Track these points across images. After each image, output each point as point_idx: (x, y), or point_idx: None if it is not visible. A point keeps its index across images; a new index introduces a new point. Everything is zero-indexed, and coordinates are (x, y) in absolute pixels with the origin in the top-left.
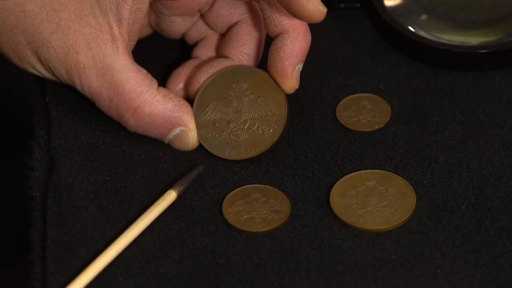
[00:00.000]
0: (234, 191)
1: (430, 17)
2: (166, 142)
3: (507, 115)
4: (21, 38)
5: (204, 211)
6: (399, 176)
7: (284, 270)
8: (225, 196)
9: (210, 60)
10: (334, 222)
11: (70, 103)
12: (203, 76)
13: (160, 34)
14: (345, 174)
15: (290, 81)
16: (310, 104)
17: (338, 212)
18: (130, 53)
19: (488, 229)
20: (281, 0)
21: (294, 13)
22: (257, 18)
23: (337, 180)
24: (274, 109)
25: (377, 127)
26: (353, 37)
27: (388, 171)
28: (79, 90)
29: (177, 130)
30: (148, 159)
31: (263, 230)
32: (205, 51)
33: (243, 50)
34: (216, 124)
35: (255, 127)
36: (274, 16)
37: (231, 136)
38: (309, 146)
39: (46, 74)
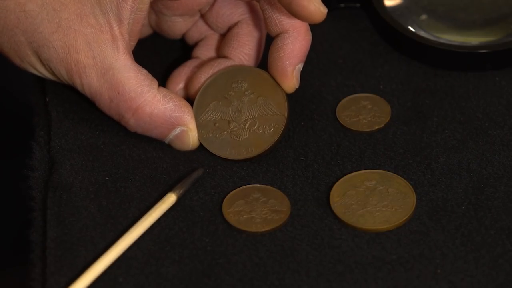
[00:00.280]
0: (234, 191)
1: (430, 17)
2: (166, 142)
3: (507, 115)
4: (21, 38)
5: (204, 211)
6: (399, 176)
7: (284, 270)
8: (225, 196)
9: (210, 60)
10: (334, 222)
11: (70, 103)
12: (204, 76)
13: (160, 34)
14: (345, 174)
15: (290, 80)
16: (310, 104)
17: (338, 212)
18: (131, 53)
19: (488, 229)
20: (281, 0)
21: (294, 14)
22: (257, 19)
23: (337, 180)
24: (274, 108)
25: (377, 127)
26: (353, 37)
27: (388, 171)
28: (80, 90)
29: (178, 130)
30: (148, 159)
31: (263, 230)
32: (205, 51)
33: (244, 50)
34: (217, 124)
35: (256, 126)
36: (274, 16)
37: (232, 136)
38: (309, 146)
39: (46, 74)
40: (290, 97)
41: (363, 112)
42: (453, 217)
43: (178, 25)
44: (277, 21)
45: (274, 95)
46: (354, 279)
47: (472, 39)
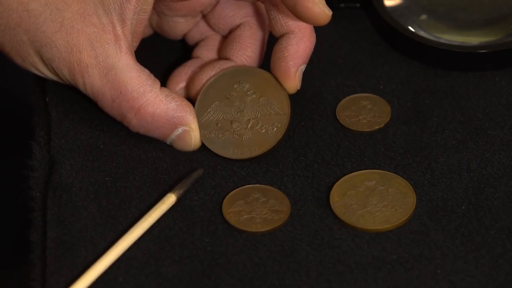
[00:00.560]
0: (234, 191)
1: (430, 17)
2: (168, 142)
3: (507, 115)
4: (23, 37)
5: (204, 211)
6: (399, 176)
7: (284, 270)
8: (225, 196)
9: (212, 61)
10: (334, 222)
11: (70, 103)
12: (205, 77)
13: (161, 35)
14: (345, 174)
15: (293, 81)
16: (310, 104)
17: (338, 212)
18: (133, 53)
19: (488, 229)
20: (286, 2)
21: (299, 15)
22: (259, 21)
23: (337, 180)
24: (277, 108)
25: (377, 127)
26: (353, 37)
27: (388, 171)
28: (82, 90)
29: (180, 130)
30: (148, 159)
31: (263, 230)
32: (206, 51)
33: (246, 53)
34: (219, 124)
35: (258, 126)
36: (280, 17)
37: (234, 136)
38: (309, 146)
39: (48, 74)
40: (290, 97)
41: (363, 112)
42: (453, 217)
43: (179, 25)
44: (282, 22)
45: (277, 95)
46: (354, 279)
47: (472, 39)
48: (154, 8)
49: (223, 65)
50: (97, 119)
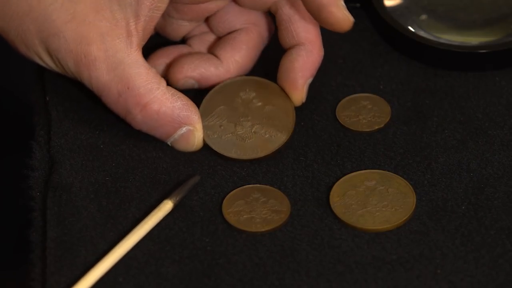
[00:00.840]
0: (234, 191)
1: (430, 17)
2: (169, 143)
3: (507, 115)
4: (30, 26)
5: (204, 211)
6: (399, 176)
7: (284, 270)
8: (225, 196)
9: (199, 52)
10: (334, 222)
11: (70, 103)
12: (187, 66)
13: (161, 35)
14: (345, 174)
15: (300, 93)
16: (310, 104)
17: (338, 212)
18: (141, 50)
19: (488, 229)
20: (310, 7)
21: (322, 21)
22: (258, 30)
23: (337, 180)
24: (282, 116)
25: (377, 127)
26: (353, 37)
27: (388, 171)
28: (86, 84)
29: (184, 129)
30: (148, 159)
31: (263, 230)
32: (198, 43)
33: (235, 56)
34: (222, 127)
35: (262, 131)
36: (292, 27)
37: (237, 138)
38: (309, 146)
39: (51, 64)
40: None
41: (363, 112)
42: (453, 217)
43: (183, 28)
44: (294, 33)
45: (282, 105)
46: (354, 279)
47: (472, 39)
48: None
49: (209, 60)
50: (97, 119)
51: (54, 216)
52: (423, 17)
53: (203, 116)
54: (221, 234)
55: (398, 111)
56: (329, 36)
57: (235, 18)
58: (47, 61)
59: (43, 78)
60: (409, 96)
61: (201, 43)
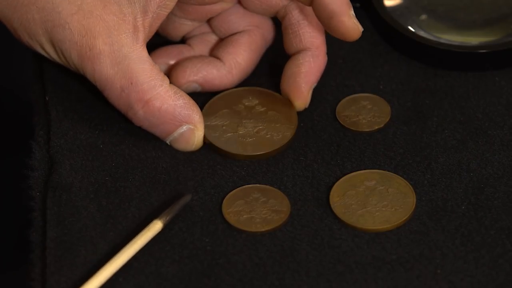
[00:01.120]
0: (234, 191)
1: (430, 17)
2: (168, 141)
3: (507, 115)
4: (35, 15)
5: (204, 211)
6: (399, 176)
7: (284, 270)
8: (225, 196)
9: (201, 56)
10: (334, 222)
11: (69, 103)
12: (189, 70)
13: (162, 35)
14: (345, 174)
15: (305, 98)
16: (310, 104)
17: (338, 212)
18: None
19: (488, 229)
20: (321, 15)
21: (332, 29)
22: (261, 33)
23: (337, 180)
24: (284, 121)
25: (377, 127)
26: None
27: (388, 171)
28: (88, 77)
29: (184, 128)
30: (147, 158)
31: (263, 230)
32: (199, 44)
33: (237, 58)
34: (224, 127)
35: (264, 132)
36: (300, 32)
37: (239, 136)
38: (309, 146)
39: (53, 56)
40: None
41: (363, 112)
42: (453, 217)
43: (184, 27)
44: (301, 38)
45: (286, 110)
46: (354, 279)
47: (472, 39)
48: None
49: (211, 63)
50: (97, 119)
51: (54, 216)
52: (423, 17)
53: (206, 117)
54: (221, 234)
55: (398, 111)
56: (329, 36)
57: (239, 20)
58: (49, 52)
59: (43, 78)
60: (409, 96)
61: (201, 44)
